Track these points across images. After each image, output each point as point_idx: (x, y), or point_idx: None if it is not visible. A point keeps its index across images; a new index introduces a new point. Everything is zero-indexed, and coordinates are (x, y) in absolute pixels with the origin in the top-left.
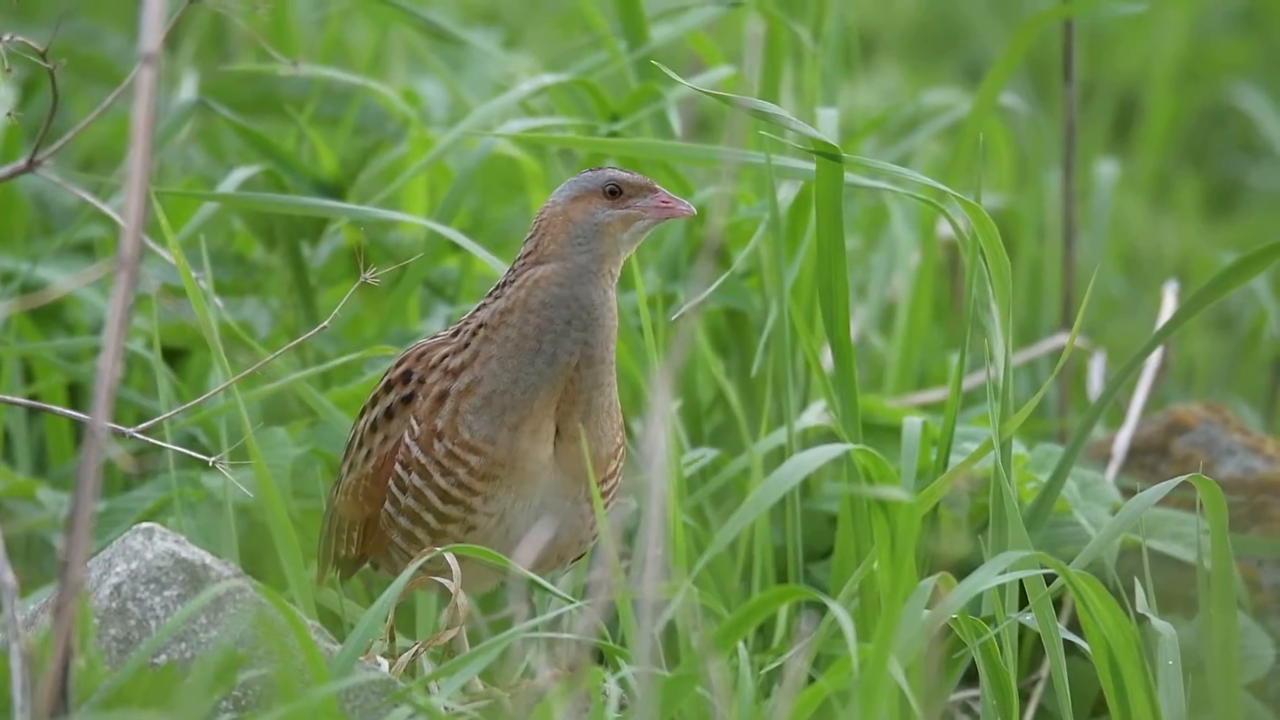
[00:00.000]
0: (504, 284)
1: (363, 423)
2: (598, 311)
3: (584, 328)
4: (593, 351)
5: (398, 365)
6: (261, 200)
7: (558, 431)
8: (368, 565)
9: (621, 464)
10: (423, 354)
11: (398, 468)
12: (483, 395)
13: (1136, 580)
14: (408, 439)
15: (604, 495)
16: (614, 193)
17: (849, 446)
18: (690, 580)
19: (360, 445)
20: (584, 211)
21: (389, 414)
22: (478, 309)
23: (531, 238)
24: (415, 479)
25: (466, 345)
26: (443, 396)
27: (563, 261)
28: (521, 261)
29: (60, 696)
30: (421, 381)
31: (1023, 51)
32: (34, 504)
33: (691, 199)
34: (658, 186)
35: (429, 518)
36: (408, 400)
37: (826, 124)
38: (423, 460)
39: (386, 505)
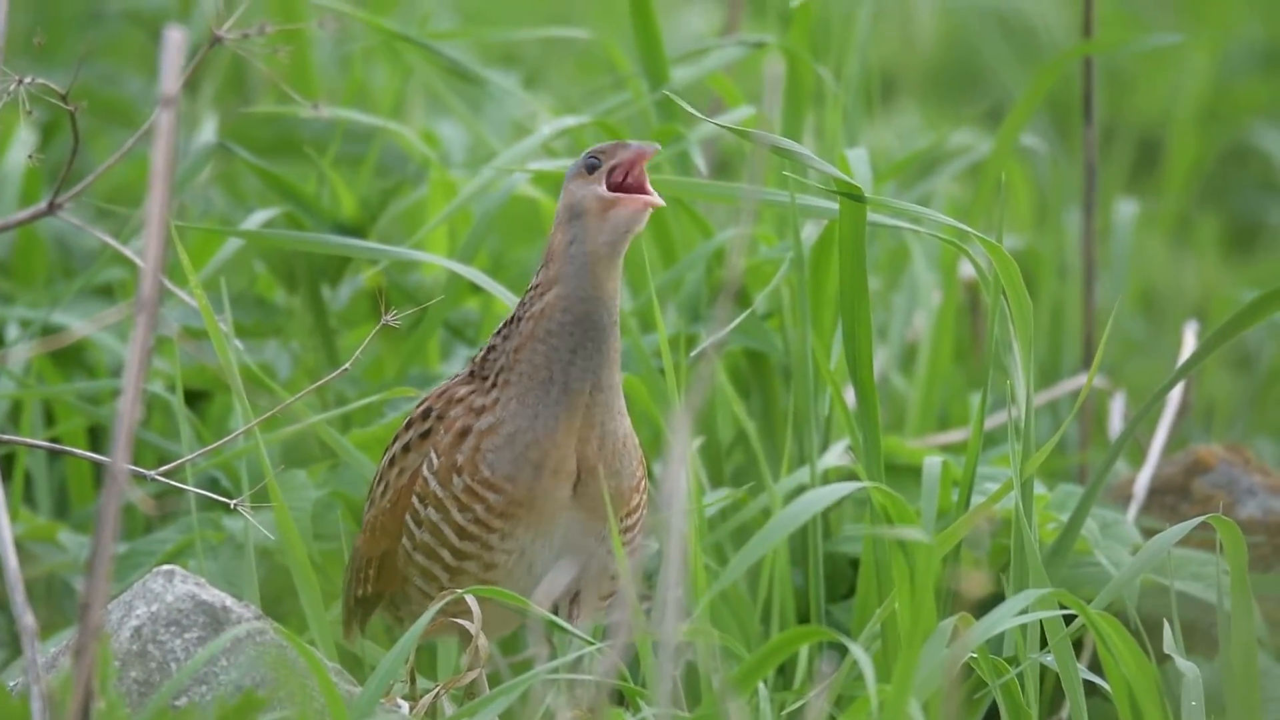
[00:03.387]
0: (515, 319)
1: (384, 460)
2: (603, 336)
3: (589, 356)
4: (600, 378)
5: (419, 405)
6: (284, 238)
7: (577, 467)
8: (386, 613)
9: (644, 498)
10: (443, 392)
11: (414, 500)
12: (506, 434)
13: (1165, 621)
14: (426, 472)
15: (629, 530)
16: (593, 167)
17: (866, 484)
18: (704, 603)
19: (380, 480)
20: (570, 196)
21: (406, 449)
22: (488, 350)
23: (542, 268)
24: (431, 513)
25: (489, 390)
26: (464, 432)
27: (562, 285)
28: (530, 294)
29: None
30: (441, 417)
31: (1043, 93)
32: (55, 546)
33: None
34: (629, 142)
35: (445, 554)
36: (426, 435)
37: (857, 164)
38: (440, 494)
39: (403, 540)
